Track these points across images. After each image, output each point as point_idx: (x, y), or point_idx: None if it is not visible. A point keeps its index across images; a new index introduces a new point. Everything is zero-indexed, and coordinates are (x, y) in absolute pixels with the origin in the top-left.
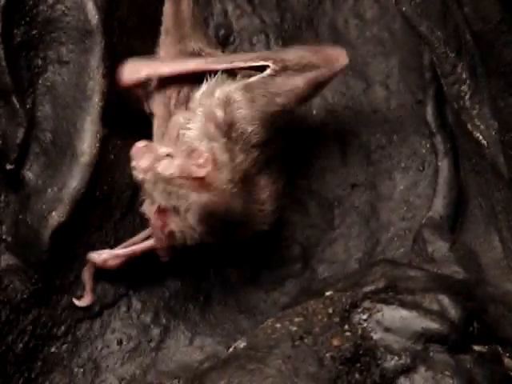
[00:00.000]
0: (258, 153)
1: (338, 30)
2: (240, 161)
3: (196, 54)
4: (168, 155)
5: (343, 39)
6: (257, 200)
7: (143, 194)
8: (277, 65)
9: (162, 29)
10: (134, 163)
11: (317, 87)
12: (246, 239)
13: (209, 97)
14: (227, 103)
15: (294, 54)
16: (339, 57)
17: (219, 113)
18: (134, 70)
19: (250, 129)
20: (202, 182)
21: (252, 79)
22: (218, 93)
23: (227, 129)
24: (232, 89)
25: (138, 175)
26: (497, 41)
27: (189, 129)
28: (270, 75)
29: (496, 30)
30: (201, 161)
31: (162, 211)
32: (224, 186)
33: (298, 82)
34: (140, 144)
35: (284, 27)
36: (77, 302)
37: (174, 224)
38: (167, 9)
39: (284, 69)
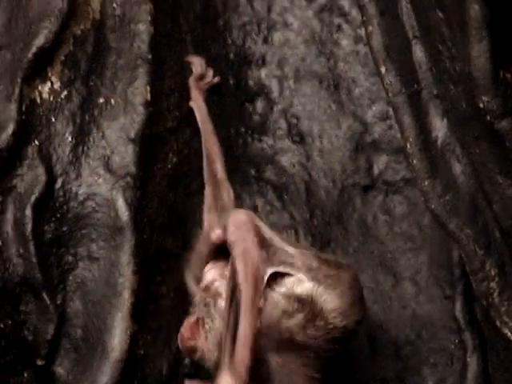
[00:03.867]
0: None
1: (368, 226)
2: None
3: None
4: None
5: (372, 235)
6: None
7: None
8: None
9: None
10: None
11: None
12: None
13: None
14: None
15: None
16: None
17: None
18: None
19: None
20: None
21: None
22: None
23: None
24: None
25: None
26: None
27: None
28: None
29: None
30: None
31: (195, 322)
32: None
33: None
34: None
35: (313, 223)
36: None
37: (201, 341)
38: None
39: None
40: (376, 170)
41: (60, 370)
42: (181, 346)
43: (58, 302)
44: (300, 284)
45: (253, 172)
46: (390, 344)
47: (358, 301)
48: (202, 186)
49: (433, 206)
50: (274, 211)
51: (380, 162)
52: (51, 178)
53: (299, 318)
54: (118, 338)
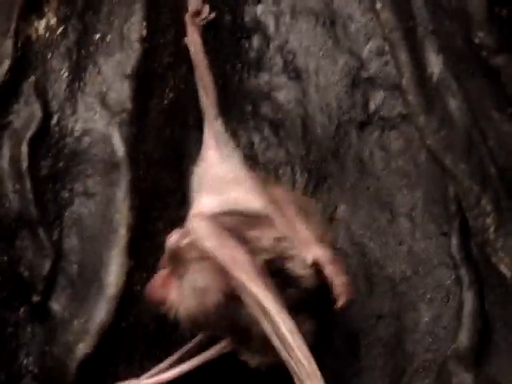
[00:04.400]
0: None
1: (364, 162)
2: None
3: None
4: None
5: (368, 171)
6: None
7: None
8: None
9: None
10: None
11: None
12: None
13: None
14: None
15: None
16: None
17: None
18: None
19: None
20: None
21: None
22: None
23: None
24: None
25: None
26: None
27: None
28: None
29: None
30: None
31: (167, 275)
32: None
33: None
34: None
35: (310, 159)
36: None
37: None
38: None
39: None
40: (372, 106)
41: (56, 306)
42: (149, 297)
43: (54, 238)
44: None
45: (249, 108)
46: (387, 280)
47: None
48: (199, 122)
49: (428, 142)
50: (271, 147)
51: (376, 98)
52: (47, 114)
53: None
54: (114, 274)
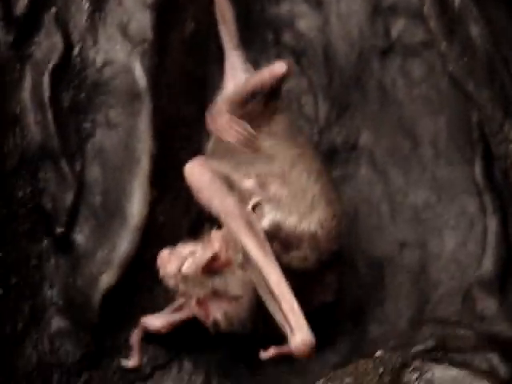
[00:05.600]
0: None
1: (386, 90)
2: None
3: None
4: (191, 253)
5: (391, 99)
6: (318, 279)
7: (180, 294)
8: None
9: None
10: (161, 272)
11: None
12: (311, 311)
13: None
14: None
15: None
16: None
17: None
18: None
19: None
20: (220, 263)
21: None
22: None
23: None
24: None
25: (169, 282)
26: None
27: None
28: None
29: None
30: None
31: (201, 302)
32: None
33: None
34: (164, 253)
35: (332, 87)
36: (124, 363)
37: (217, 309)
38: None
39: None
40: (394, 34)
41: (79, 237)
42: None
43: (77, 170)
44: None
45: (271, 37)
46: (410, 208)
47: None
48: (220, 53)
49: (450, 69)
50: (293, 76)
51: (398, 26)
52: (68, 45)
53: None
54: (137, 205)
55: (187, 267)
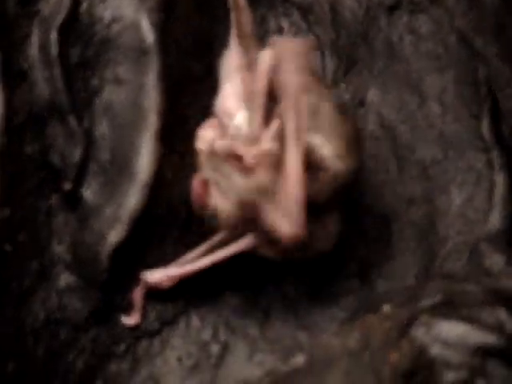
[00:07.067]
0: None
1: (393, 46)
2: None
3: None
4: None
5: (398, 54)
6: (319, 222)
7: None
8: None
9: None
10: (200, 135)
11: None
12: (308, 260)
13: None
14: None
15: None
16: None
17: None
18: None
19: None
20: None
21: None
22: None
23: None
24: None
25: (198, 144)
26: None
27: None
28: None
29: None
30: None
31: (204, 182)
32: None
33: None
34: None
35: (339, 44)
36: (123, 319)
37: (213, 198)
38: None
39: None
40: None
41: (87, 194)
42: (194, 203)
43: (85, 126)
44: None
45: None
46: (417, 164)
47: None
48: (227, 11)
49: (458, 24)
50: (300, 32)
51: None
52: (76, 1)
53: None
54: (145, 161)
55: (220, 144)
